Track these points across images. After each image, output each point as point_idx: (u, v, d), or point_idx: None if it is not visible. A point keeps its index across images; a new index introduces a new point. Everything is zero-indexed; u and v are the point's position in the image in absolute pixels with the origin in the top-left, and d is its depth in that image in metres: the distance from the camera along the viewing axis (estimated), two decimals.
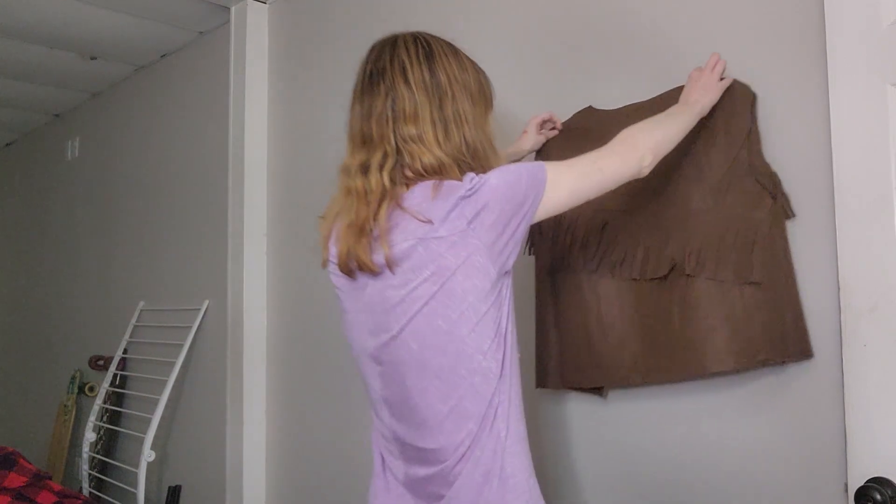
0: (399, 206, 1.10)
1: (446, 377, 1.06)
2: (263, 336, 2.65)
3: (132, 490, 2.74)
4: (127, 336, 3.19)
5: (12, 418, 4.31)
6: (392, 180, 1.12)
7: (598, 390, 1.58)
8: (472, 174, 1.08)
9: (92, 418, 3.12)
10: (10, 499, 2.28)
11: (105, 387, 3.16)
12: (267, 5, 2.74)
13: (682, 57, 1.54)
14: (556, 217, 1.26)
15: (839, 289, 1.19)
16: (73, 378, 3.66)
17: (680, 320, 1.37)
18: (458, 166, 1.11)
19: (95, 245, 3.67)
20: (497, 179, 1.07)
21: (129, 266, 3.38)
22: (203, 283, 2.89)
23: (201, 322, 2.85)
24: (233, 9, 2.75)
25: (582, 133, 1.58)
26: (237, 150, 2.69)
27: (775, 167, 1.39)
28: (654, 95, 1.54)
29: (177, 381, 2.80)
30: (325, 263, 1.20)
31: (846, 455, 1.18)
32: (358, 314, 1.18)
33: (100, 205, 3.66)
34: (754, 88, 1.43)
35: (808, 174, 1.34)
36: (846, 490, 1.18)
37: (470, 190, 1.06)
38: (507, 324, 1.10)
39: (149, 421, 2.71)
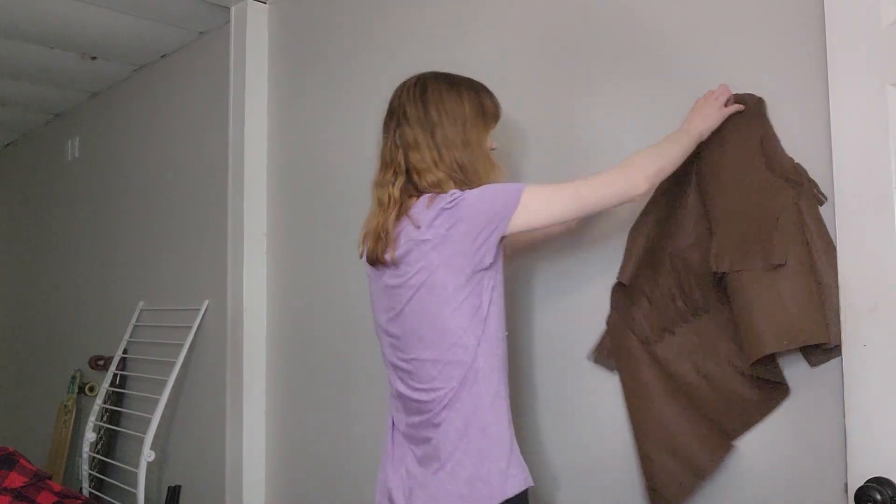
0: (407, 214, 1.39)
1: (435, 347, 1.35)
2: (263, 336, 2.65)
3: (132, 490, 2.74)
4: (127, 336, 3.19)
5: (13, 418, 4.31)
6: (403, 193, 1.41)
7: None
8: (455, 191, 1.35)
9: (92, 418, 3.12)
10: (10, 499, 2.28)
11: (105, 387, 3.16)
12: (267, 5, 2.74)
13: (682, 58, 1.55)
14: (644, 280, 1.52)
15: (839, 289, 1.19)
16: (74, 378, 3.66)
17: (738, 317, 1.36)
18: (453, 181, 1.39)
19: (95, 245, 3.67)
20: (474, 198, 1.33)
21: (129, 266, 3.38)
22: (203, 283, 2.89)
23: (201, 322, 2.85)
24: (233, 9, 2.75)
25: None
26: (237, 150, 2.69)
27: None
28: (652, 97, 1.54)
29: (177, 381, 2.80)
30: (361, 255, 1.48)
31: (846, 455, 1.18)
32: (377, 296, 1.47)
33: (100, 205, 3.66)
34: (754, 88, 1.43)
35: (808, 174, 1.34)
36: (846, 490, 1.18)
37: (450, 203, 1.33)
38: (487, 308, 1.36)
39: (149, 421, 2.72)
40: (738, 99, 1.42)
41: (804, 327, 1.27)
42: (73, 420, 3.59)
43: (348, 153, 2.36)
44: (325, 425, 2.41)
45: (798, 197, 1.33)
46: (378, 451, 2.17)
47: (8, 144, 4.72)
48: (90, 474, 3.11)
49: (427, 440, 1.37)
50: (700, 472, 1.42)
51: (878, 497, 1.09)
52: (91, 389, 3.54)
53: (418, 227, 1.34)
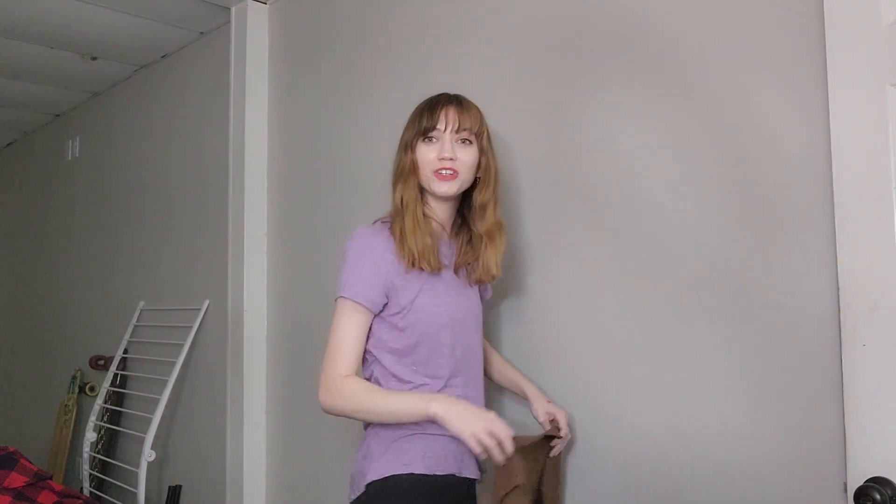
0: None
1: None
2: (263, 336, 2.65)
3: (133, 490, 2.74)
4: (127, 336, 3.19)
5: (13, 418, 4.32)
6: None
7: None
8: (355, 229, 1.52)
9: (92, 418, 3.12)
10: (10, 498, 2.28)
11: (105, 386, 3.17)
12: (267, 5, 2.74)
13: (681, 58, 1.55)
14: None
15: (839, 289, 1.19)
16: (74, 378, 3.66)
17: None
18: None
19: (96, 245, 3.67)
20: (348, 253, 1.52)
21: (130, 266, 3.38)
22: (203, 283, 2.89)
23: (202, 322, 2.85)
24: (233, 9, 2.75)
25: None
26: (237, 150, 2.69)
27: (775, 168, 1.39)
28: (651, 98, 1.54)
29: (177, 380, 2.80)
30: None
31: (845, 455, 1.18)
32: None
33: (100, 205, 3.67)
34: (754, 88, 1.43)
35: (808, 174, 1.35)
36: (845, 490, 1.18)
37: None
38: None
39: (149, 421, 2.72)
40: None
41: None
42: (73, 420, 3.59)
43: (349, 153, 2.36)
44: (326, 425, 2.41)
45: None
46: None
47: (8, 144, 4.72)
48: (91, 474, 3.11)
49: None
50: None
51: (878, 497, 1.09)
52: (91, 389, 3.55)
53: None
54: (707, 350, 1.48)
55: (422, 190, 1.52)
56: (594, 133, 1.69)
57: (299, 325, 2.54)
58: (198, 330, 2.85)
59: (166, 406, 2.76)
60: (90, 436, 3.09)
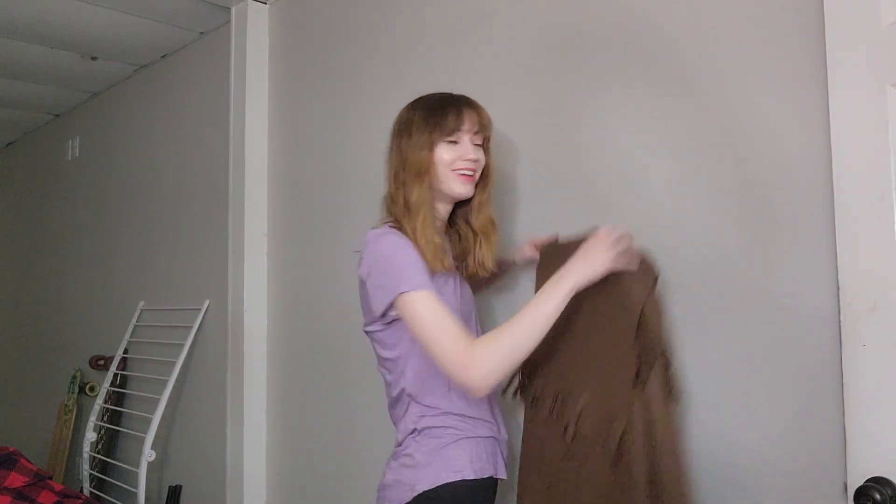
0: None
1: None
2: (263, 336, 2.65)
3: (133, 490, 2.74)
4: (127, 336, 3.19)
5: (13, 418, 4.32)
6: None
7: None
8: (369, 233, 1.45)
9: (92, 418, 3.12)
10: (10, 498, 2.28)
11: (106, 386, 3.17)
12: (267, 5, 2.74)
13: (681, 58, 1.55)
14: None
15: (839, 289, 1.19)
16: (74, 378, 3.66)
17: (574, 476, 1.40)
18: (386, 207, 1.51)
19: (96, 245, 3.67)
20: (373, 262, 1.41)
21: (130, 266, 3.38)
22: (203, 283, 2.89)
23: (202, 322, 2.85)
24: (233, 9, 2.75)
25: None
26: (237, 150, 2.69)
27: (775, 168, 1.39)
28: (651, 99, 1.54)
29: (177, 380, 2.81)
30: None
31: (845, 455, 1.18)
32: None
33: (100, 205, 3.67)
34: (754, 89, 1.43)
35: (808, 174, 1.35)
36: (845, 490, 1.18)
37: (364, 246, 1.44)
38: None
39: (149, 421, 2.72)
40: (638, 257, 1.38)
41: None
42: (73, 420, 3.60)
43: (349, 153, 2.36)
44: (326, 425, 2.41)
45: (647, 389, 1.31)
46: (377, 449, 2.18)
47: (8, 144, 4.72)
48: (91, 474, 3.11)
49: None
50: None
51: (878, 497, 1.09)
52: (91, 389, 3.55)
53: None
54: (707, 350, 1.48)
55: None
56: (594, 133, 1.69)
57: (299, 325, 2.54)
58: (198, 330, 2.85)
59: (166, 406, 2.76)
60: (90, 436, 3.09)
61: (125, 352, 3.20)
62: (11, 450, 2.40)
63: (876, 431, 1.14)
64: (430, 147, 1.46)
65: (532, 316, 1.30)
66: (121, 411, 3.19)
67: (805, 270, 1.35)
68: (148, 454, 2.66)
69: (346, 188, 2.36)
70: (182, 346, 2.82)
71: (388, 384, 1.53)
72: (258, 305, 2.64)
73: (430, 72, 2.08)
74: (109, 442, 3.24)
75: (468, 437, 1.45)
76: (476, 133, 1.50)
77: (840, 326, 1.19)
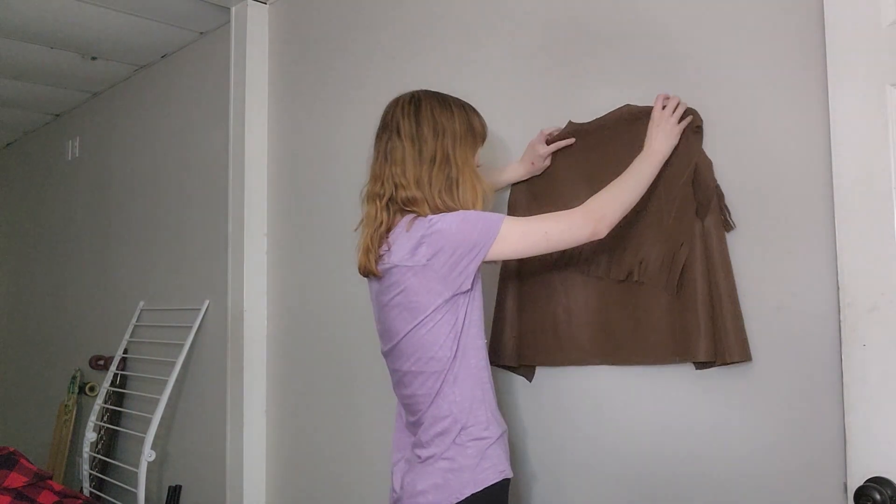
0: (390, 230, 1.46)
1: (414, 360, 1.45)
2: (263, 336, 2.65)
3: (132, 490, 2.74)
4: (127, 336, 3.19)
5: (13, 418, 4.32)
6: (388, 209, 1.46)
7: (529, 373, 1.78)
8: (433, 217, 1.41)
9: (92, 418, 3.12)
10: (10, 498, 2.28)
11: (105, 386, 3.17)
12: (267, 5, 2.74)
13: (681, 58, 1.55)
14: None
15: (839, 289, 1.19)
16: (74, 378, 3.66)
17: (633, 316, 1.57)
18: (430, 200, 1.44)
19: (95, 245, 3.67)
20: (455, 226, 1.39)
21: (129, 266, 3.38)
22: (203, 283, 2.89)
23: (202, 322, 2.85)
24: (233, 9, 2.75)
25: (573, 153, 1.72)
26: (237, 150, 2.69)
27: (774, 168, 1.39)
28: (650, 98, 1.54)
29: (177, 380, 2.81)
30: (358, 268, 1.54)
31: (845, 455, 1.18)
32: (373, 305, 1.56)
33: (100, 205, 3.67)
34: (754, 89, 1.43)
35: (808, 174, 1.35)
36: (845, 490, 1.18)
37: (429, 231, 1.39)
38: (463, 323, 1.44)
39: (149, 421, 2.72)
40: (689, 112, 1.51)
41: (691, 347, 1.44)
42: (73, 420, 3.59)
43: (348, 153, 2.36)
44: (326, 425, 2.41)
45: (705, 224, 1.45)
46: (378, 449, 2.18)
47: (8, 144, 4.72)
48: (91, 474, 3.11)
49: (417, 435, 1.50)
50: None
51: (878, 497, 1.09)
52: (91, 389, 3.55)
53: (400, 252, 1.42)
54: None
55: None
56: None
57: (299, 325, 2.54)
58: (198, 330, 2.85)
59: (166, 406, 2.76)
60: (90, 436, 3.09)
61: (125, 352, 3.20)
62: (11, 450, 2.40)
63: (876, 431, 1.14)
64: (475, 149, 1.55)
65: (629, 183, 1.46)
66: (121, 411, 3.19)
67: (805, 270, 1.35)
68: (148, 454, 2.66)
69: (345, 188, 2.36)
70: (182, 346, 2.82)
71: (419, 389, 1.48)
72: (258, 305, 2.64)
73: (430, 71, 2.08)
74: (109, 442, 3.24)
75: (501, 438, 1.47)
76: None
77: (840, 326, 1.19)
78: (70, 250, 3.90)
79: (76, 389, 3.63)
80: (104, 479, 3.12)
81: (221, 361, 2.69)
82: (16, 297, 4.50)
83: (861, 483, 1.13)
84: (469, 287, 1.43)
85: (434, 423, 1.44)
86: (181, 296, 3.01)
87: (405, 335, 1.45)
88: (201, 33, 3.02)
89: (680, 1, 1.55)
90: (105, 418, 3.19)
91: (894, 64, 1.14)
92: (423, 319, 1.42)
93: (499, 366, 1.77)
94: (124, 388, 3.22)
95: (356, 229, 1.55)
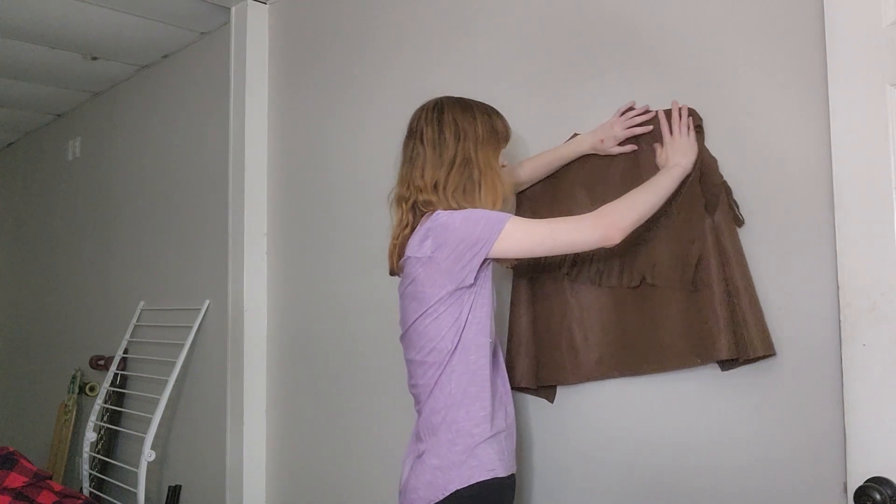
0: (413, 231, 1.51)
1: (418, 349, 1.50)
2: (263, 336, 2.65)
3: (132, 490, 2.74)
4: (127, 336, 3.19)
5: (13, 418, 4.32)
6: (413, 211, 1.52)
7: (550, 394, 1.74)
8: (441, 212, 1.46)
9: (92, 418, 3.12)
10: (10, 498, 2.28)
11: (105, 386, 3.17)
12: (267, 5, 2.74)
13: (681, 59, 1.55)
14: None
15: (839, 289, 1.19)
16: (74, 378, 3.66)
17: (650, 322, 1.54)
18: (442, 205, 1.48)
19: (96, 245, 3.67)
20: (460, 222, 1.43)
21: (130, 266, 3.38)
22: (203, 283, 2.89)
23: (202, 322, 2.85)
24: (233, 9, 2.75)
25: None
26: (238, 150, 2.69)
27: (774, 169, 1.39)
28: (650, 98, 1.54)
29: (177, 380, 2.81)
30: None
31: (845, 455, 1.18)
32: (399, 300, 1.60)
33: (101, 205, 3.67)
34: (754, 88, 1.43)
35: (808, 174, 1.35)
36: (845, 490, 1.18)
37: (435, 225, 1.44)
38: (466, 318, 1.47)
39: (149, 421, 2.72)
40: (689, 113, 1.51)
41: (714, 347, 1.41)
42: (73, 420, 3.59)
43: (348, 153, 2.36)
44: (326, 425, 2.41)
45: (715, 220, 1.44)
46: (378, 449, 2.18)
47: (9, 144, 4.72)
48: (90, 474, 3.11)
49: (416, 427, 1.54)
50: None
51: (878, 497, 1.09)
52: (91, 389, 3.55)
53: (412, 244, 1.48)
54: None
55: None
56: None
57: (299, 324, 2.54)
58: (198, 330, 2.85)
59: (166, 406, 2.76)
60: (90, 436, 3.09)
61: (125, 352, 3.20)
62: (11, 450, 2.40)
63: (876, 431, 1.14)
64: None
65: (647, 193, 1.46)
66: (121, 411, 3.19)
67: (805, 270, 1.35)
68: (148, 454, 2.66)
69: (345, 188, 2.37)
70: (182, 346, 2.82)
71: (422, 381, 1.51)
72: (258, 305, 2.64)
73: (430, 71, 2.08)
74: (109, 442, 3.24)
75: (496, 437, 1.48)
76: None
77: (840, 326, 1.19)
78: (71, 250, 3.90)
79: (76, 389, 3.63)
80: (104, 479, 3.12)
81: (221, 361, 2.69)
82: (16, 297, 4.50)
83: (861, 483, 1.12)
84: (472, 282, 1.45)
85: (431, 414, 1.48)
86: (181, 296, 3.01)
87: (412, 323, 1.49)
88: (202, 33, 3.02)
89: (682, 1, 1.56)
90: (105, 418, 3.19)
91: (894, 64, 1.14)
92: (427, 309, 1.46)
93: (517, 389, 1.71)
94: (124, 388, 3.22)
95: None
